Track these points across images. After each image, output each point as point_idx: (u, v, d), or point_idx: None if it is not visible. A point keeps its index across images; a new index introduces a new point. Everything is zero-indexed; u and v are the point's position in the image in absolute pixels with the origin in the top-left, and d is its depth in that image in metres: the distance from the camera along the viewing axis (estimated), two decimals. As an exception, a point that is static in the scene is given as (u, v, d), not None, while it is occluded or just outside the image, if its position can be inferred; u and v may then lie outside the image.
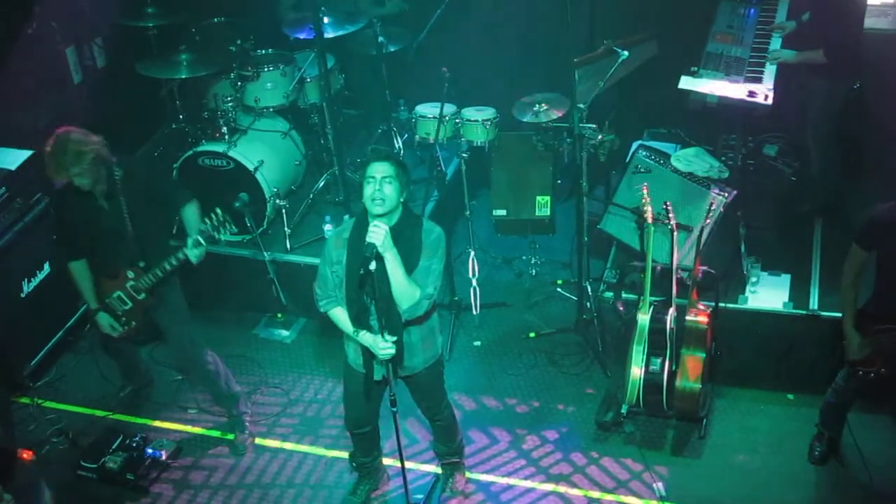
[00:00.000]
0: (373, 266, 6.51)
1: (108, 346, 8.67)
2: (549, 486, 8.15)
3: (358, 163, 7.09)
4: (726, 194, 8.66)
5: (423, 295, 6.79)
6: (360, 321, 6.91)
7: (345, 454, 8.33)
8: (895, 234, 7.03)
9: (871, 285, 7.36)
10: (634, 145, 9.51)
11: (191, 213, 7.98)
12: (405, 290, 6.71)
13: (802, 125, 9.25)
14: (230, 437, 8.71)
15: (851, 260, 7.31)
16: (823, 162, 9.23)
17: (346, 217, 8.64)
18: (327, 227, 9.51)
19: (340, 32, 9.92)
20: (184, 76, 9.72)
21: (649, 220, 8.24)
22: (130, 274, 7.95)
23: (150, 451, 8.43)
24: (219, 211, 7.63)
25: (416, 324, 6.99)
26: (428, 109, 9.30)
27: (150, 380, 9.20)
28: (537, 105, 9.11)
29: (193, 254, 7.76)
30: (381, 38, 9.70)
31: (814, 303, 8.52)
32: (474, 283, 9.52)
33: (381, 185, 6.60)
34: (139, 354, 9.06)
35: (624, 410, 8.46)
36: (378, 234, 6.52)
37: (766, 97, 8.55)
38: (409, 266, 6.72)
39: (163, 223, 8.29)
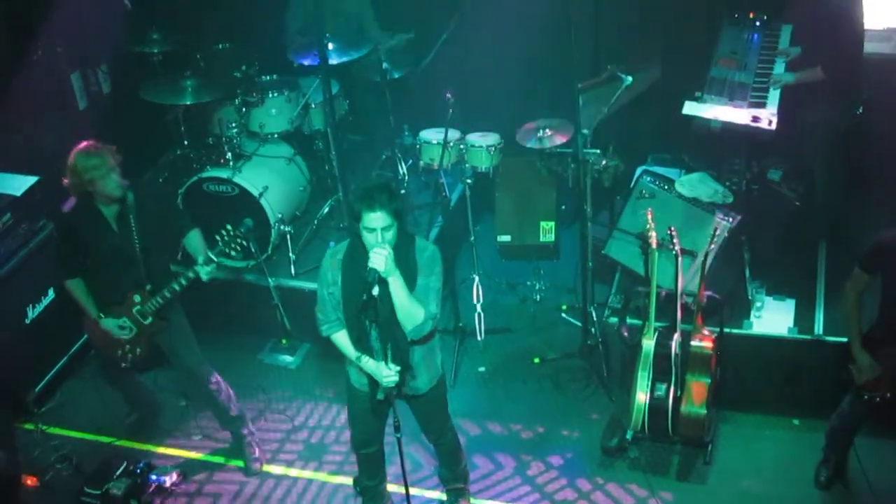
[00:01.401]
0: (376, 291, 6.51)
1: (109, 377, 8.69)
2: (554, 512, 8.14)
3: (353, 191, 7.14)
4: (731, 219, 8.66)
5: (427, 315, 6.77)
6: (361, 343, 6.90)
7: (349, 480, 8.32)
8: (900, 259, 7.05)
9: (874, 310, 7.36)
10: (638, 170, 9.52)
11: (196, 238, 8.03)
12: (409, 312, 6.70)
13: (806, 150, 9.25)
14: (234, 462, 8.70)
15: (854, 284, 7.31)
16: (828, 187, 9.23)
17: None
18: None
19: (345, 58, 9.95)
20: (189, 102, 9.75)
21: (654, 245, 8.23)
22: (137, 298, 7.96)
23: (153, 477, 8.42)
24: (229, 228, 7.63)
25: (419, 343, 6.98)
26: (432, 135, 9.32)
27: (156, 406, 9.19)
28: (541, 130, 9.11)
29: (205, 271, 7.75)
30: (385, 65, 9.72)
31: (819, 327, 8.51)
32: (479, 308, 9.51)
33: (382, 235, 6.55)
34: (141, 382, 9.03)
35: (629, 436, 8.44)
36: (380, 259, 6.50)
37: (770, 122, 8.55)
38: (408, 286, 6.70)
39: (167, 248, 8.30)
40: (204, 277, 7.80)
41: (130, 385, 8.89)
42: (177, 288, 7.90)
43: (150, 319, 8.02)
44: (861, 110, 9.02)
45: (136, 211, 7.83)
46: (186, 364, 8.36)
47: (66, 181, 7.76)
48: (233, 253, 7.76)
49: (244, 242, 7.81)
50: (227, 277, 9.47)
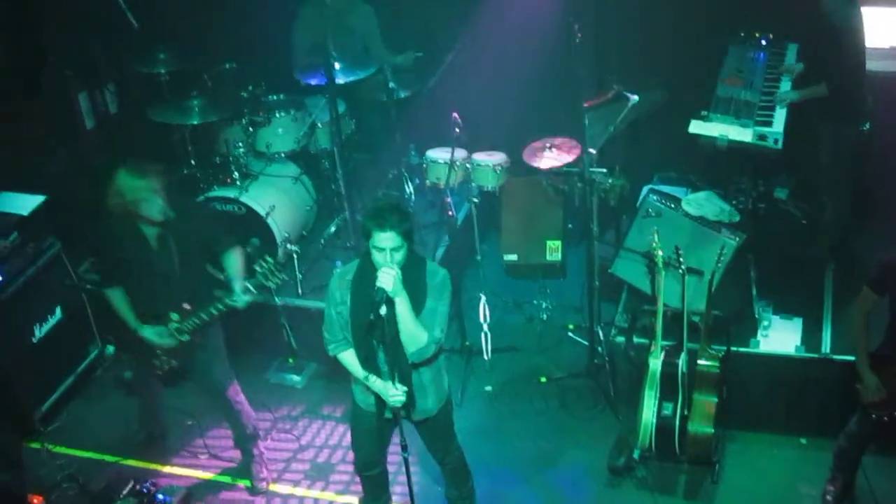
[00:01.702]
0: (383, 311, 6.51)
1: (137, 385, 8.72)
2: (561, 532, 8.13)
3: (364, 210, 7.14)
4: (737, 238, 8.66)
5: (430, 339, 6.76)
6: (369, 363, 6.91)
7: (355, 500, 8.31)
8: (908, 279, 7.04)
9: (882, 328, 7.34)
10: (645, 189, 9.53)
11: (234, 259, 7.99)
12: (413, 334, 6.69)
13: (813, 169, 9.25)
14: (241, 481, 8.69)
15: (862, 304, 7.29)
16: (835, 205, 9.22)
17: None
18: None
19: (351, 78, 9.97)
20: (195, 122, 9.78)
21: (660, 264, 8.24)
22: (175, 316, 7.93)
23: (160, 496, 8.38)
24: (269, 259, 7.55)
25: (427, 364, 6.97)
26: (438, 154, 9.33)
27: (165, 427, 9.19)
28: (547, 149, 9.12)
29: (242, 300, 7.74)
30: (391, 84, 9.74)
31: (826, 346, 8.49)
32: (485, 327, 9.51)
33: (391, 255, 6.55)
34: (164, 399, 9.02)
35: (636, 455, 8.42)
36: (388, 279, 6.50)
37: (777, 141, 8.57)
38: (415, 308, 6.69)
39: (206, 268, 8.29)
40: (241, 307, 7.80)
41: (153, 398, 8.89)
42: (214, 312, 7.87)
43: (186, 337, 8.02)
44: (868, 126, 9.01)
45: (177, 232, 7.78)
46: (217, 379, 8.34)
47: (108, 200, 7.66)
48: (271, 285, 7.64)
49: (283, 276, 7.73)
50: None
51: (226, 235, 8.17)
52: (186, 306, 7.89)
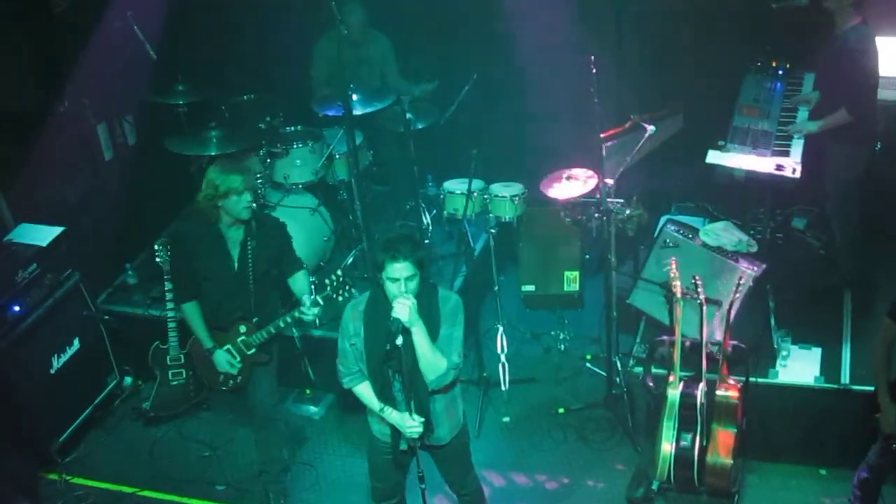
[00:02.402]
0: (399, 341, 6.51)
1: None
2: (580, 564, 8.09)
3: (376, 242, 7.23)
4: (755, 268, 8.64)
5: (449, 365, 6.77)
6: (384, 394, 6.91)
7: (373, 531, 8.29)
8: (928, 309, 7.00)
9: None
10: (662, 220, 9.52)
11: (303, 279, 8.16)
12: (432, 362, 6.69)
13: (827, 193, 9.22)
14: (258, 512, 8.70)
15: (884, 335, 7.25)
16: (844, 232, 9.19)
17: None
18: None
19: (369, 109, 9.98)
20: (213, 153, 9.79)
21: (678, 295, 8.22)
22: (242, 328, 8.04)
23: (177, 527, 8.42)
24: (339, 273, 7.64)
25: (441, 393, 6.97)
26: (456, 185, 9.34)
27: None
28: (565, 180, 9.12)
29: (312, 312, 7.79)
30: (408, 115, 9.77)
31: (845, 376, 8.46)
32: (503, 358, 9.48)
33: (405, 285, 6.57)
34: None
35: (655, 486, 8.39)
36: (403, 309, 6.50)
37: (794, 170, 8.56)
38: (431, 336, 6.69)
39: (276, 283, 8.35)
40: (308, 319, 7.86)
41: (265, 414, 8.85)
42: (282, 325, 8.01)
43: (253, 351, 8.10)
44: (879, 146, 8.98)
45: (257, 240, 7.93)
46: (266, 400, 8.38)
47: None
48: (340, 298, 7.67)
49: (353, 289, 7.76)
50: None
51: (297, 255, 8.32)
52: (255, 320, 8.04)
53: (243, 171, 7.89)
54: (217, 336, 8.14)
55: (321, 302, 7.75)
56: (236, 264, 7.96)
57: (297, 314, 7.88)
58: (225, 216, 7.86)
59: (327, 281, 7.60)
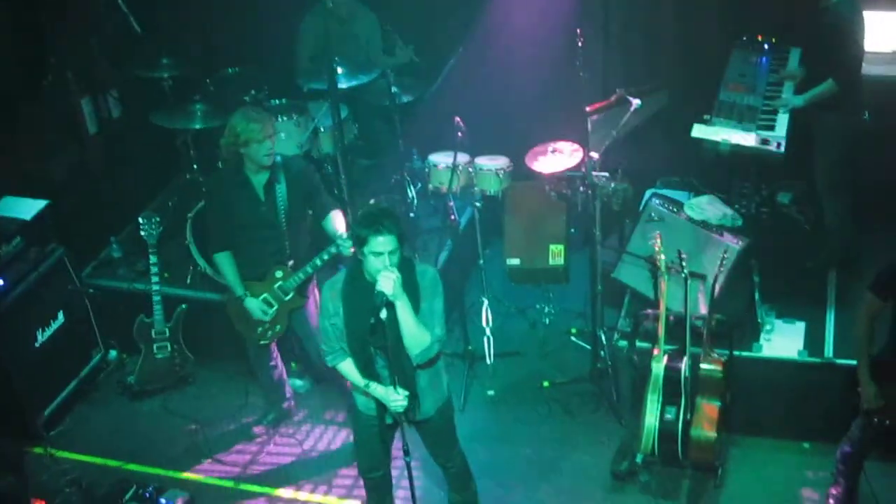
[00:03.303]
0: (384, 314, 6.52)
1: (256, 365, 8.88)
2: (564, 537, 8.12)
3: (356, 217, 7.25)
4: (740, 242, 8.66)
5: (433, 338, 6.79)
6: (368, 370, 6.91)
7: (358, 504, 8.32)
8: (910, 284, 7.03)
9: (885, 333, 7.34)
10: (648, 194, 9.53)
11: (338, 218, 8.24)
12: (417, 336, 6.70)
13: (816, 166, 9.21)
14: (244, 486, 8.70)
15: (866, 309, 7.28)
16: (835, 209, 9.20)
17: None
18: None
19: (354, 83, 9.96)
20: (198, 126, 9.79)
21: (663, 269, 8.24)
22: (279, 273, 8.15)
23: (163, 501, 8.37)
24: (373, 202, 7.62)
25: (425, 367, 6.98)
26: (441, 159, 9.32)
27: (292, 408, 9.30)
28: (550, 154, 9.12)
29: (348, 245, 7.77)
30: (394, 89, 9.74)
31: (829, 351, 8.49)
32: (488, 332, 9.50)
33: (388, 259, 6.57)
34: (280, 371, 9.09)
35: (639, 460, 8.42)
36: (388, 282, 6.50)
37: (779, 145, 8.57)
38: (412, 310, 6.72)
39: (309, 227, 8.45)
40: (346, 252, 7.86)
41: (271, 373, 8.98)
42: (318, 263, 8.10)
43: (290, 295, 8.21)
44: (868, 116, 8.97)
45: (286, 183, 8.04)
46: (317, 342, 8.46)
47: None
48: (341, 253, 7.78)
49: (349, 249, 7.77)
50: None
51: (330, 196, 8.46)
52: (290, 263, 8.13)
53: (264, 119, 7.98)
54: (253, 287, 8.20)
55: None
56: (265, 209, 8.04)
57: (333, 249, 7.97)
58: (249, 163, 7.98)
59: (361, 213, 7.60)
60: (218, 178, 8.29)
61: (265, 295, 8.22)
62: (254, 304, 8.23)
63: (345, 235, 7.89)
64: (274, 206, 8.06)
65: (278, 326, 8.38)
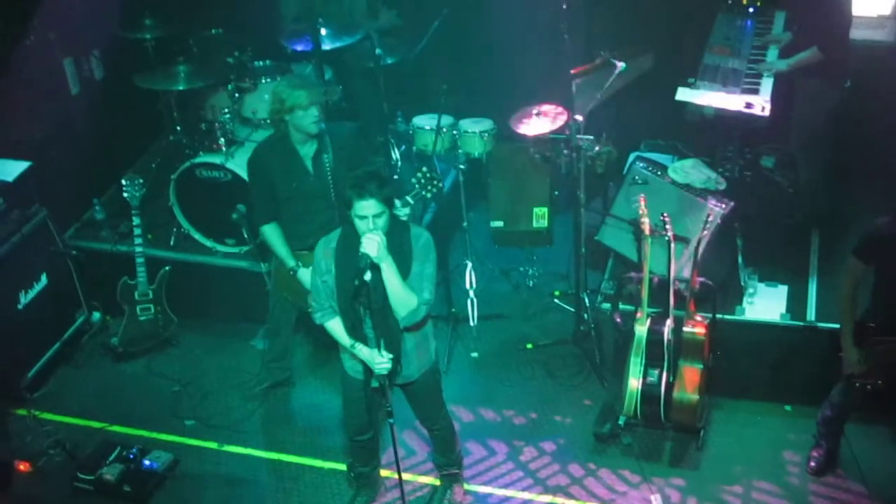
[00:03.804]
0: (368, 276, 6.51)
1: (275, 329, 8.89)
2: (547, 498, 8.15)
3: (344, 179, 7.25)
4: (723, 206, 8.66)
5: (420, 301, 6.79)
6: (355, 331, 6.92)
7: (343, 466, 8.33)
8: (894, 248, 7.04)
9: (868, 297, 7.37)
10: (632, 157, 9.52)
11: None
12: (403, 299, 6.71)
13: (797, 130, 9.22)
14: (228, 447, 8.71)
15: (850, 273, 7.31)
16: (809, 166, 9.22)
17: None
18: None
19: (338, 44, 9.93)
20: (181, 88, 9.74)
21: (647, 232, 8.25)
22: None
23: (147, 462, 8.42)
24: (425, 170, 7.51)
25: (412, 331, 7.00)
26: (425, 121, 9.31)
27: (290, 373, 9.26)
28: (535, 116, 9.11)
29: (404, 213, 7.62)
30: (378, 51, 9.71)
31: (811, 314, 8.53)
32: (472, 294, 9.51)
33: (373, 222, 6.57)
34: (293, 343, 9.11)
35: (622, 422, 8.46)
36: (372, 244, 6.50)
37: (764, 108, 8.56)
38: (402, 273, 6.71)
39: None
40: (402, 219, 7.69)
41: (286, 341, 8.98)
42: None
43: None
44: (849, 84, 8.98)
45: (333, 152, 7.92)
46: None
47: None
48: (427, 194, 7.54)
49: (441, 184, 7.63)
50: (219, 263, 9.54)
51: (373, 155, 8.35)
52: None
53: (310, 86, 7.86)
54: (304, 257, 8.06)
55: (411, 201, 7.61)
56: (313, 179, 7.94)
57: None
58: (294, 132, 7.84)
59: (413, 180, 7.52)
60: (264, 150, 8.10)
61: None
62: (306, 274, 8.01)
63: (398, 203, 7.58)
64: (323, 177, 7.94)
65: None
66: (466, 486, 8.17)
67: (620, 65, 8.70)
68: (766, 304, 8.70)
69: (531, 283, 10.13)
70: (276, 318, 8.83)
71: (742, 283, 8.79)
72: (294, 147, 7.89)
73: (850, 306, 7.34)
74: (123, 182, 9.15)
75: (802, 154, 9.24)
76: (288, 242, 8.10)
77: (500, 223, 9.90)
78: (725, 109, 8.66)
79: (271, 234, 8.10)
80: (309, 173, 7.93)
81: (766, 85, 8.82)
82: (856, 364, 7.32)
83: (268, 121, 9.94)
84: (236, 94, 9.88)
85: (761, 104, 8.58)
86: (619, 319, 8.74)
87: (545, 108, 9.15)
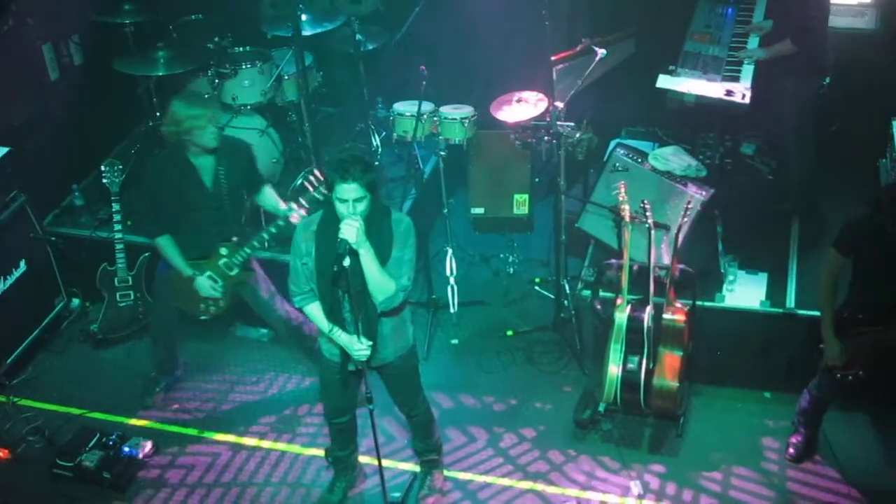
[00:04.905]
0: (347, 262, 6.50)
1: (161, 331, 8.85)
2: (527, 484, 8.15)
3: (327, 160, 7.17)
4: (703, 193, 8.68)
5: (398, 287, 6.80)
6: (334, 315, 6.92)
7: (322, 452, 8.32)
8: (873, 240, 7.05)
9: (847, 287, 7.39)
10: (612, 144, 9.53)
11: (271, 192, 8.33)
12: (381, 284, 6.71)
13: (779, 124, 9.26)
14: (208, 434, 8.70)
15: (829, 266, 7.32)
16: (801, 161, 9.24)
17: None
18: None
19: (318, 30, 9.90)
20: (161, 73, 9.71)
21: (627, 219, 8.27)
22: (223, 251, 8.15)
23: (126, 449, 8.40)
24: (316, 172, 7.67)
25: (389, 315, 7.00)
26: (406, 107, 9.29)
27: (182, 375, 9.24)
28: (515, 103, 9.10)
29: (299, 214, 7.82)
30: (358, 36, 9.69)
31: (791, 301, 8.55)
32: (452, 281, 9.50)
33: (354, 206, 6.56)
34: (180, 344, 9.10)
35: (601, 409, 8.47)
36: (351, 230, 6.49)
37: (744, 96, 8.58)
38: (382, 258, 6.71)
39: (243, 202, 8.48)
40: (294, 223, 7.82)
41: (175, 344, 9.00)
42: (266, 237, 8.11)
43: (236, 271, 8.22)
44: (829, 80, 9.01)
45: (226, 163, 8.04)
46: (274, 309, 8.61)
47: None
48: (318, 196, 7.73)
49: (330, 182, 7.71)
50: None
51: (261, 174, 8.48)
52: (234, 239, 8.15)
53: (204, 104, 7.98)
54: (199, 266, 8.21)
55: (305, 204, 7.80)
56: (208, 191, 8.04)
57: (280, 222, 7.99)
58: (192, 147, 7.94)
59: (300, 178, 7.59)
60: (159, 165, 8.19)
61: (209, 272, 8.19)
62: (204, 283, 8.21)
63: (285, 208, 7.93)
64: (219, 188, 8.06)
65: (221, 302, 8.36)
66: (446, 473, 8.17)
67: (602, 52, 8.70)
68: (745, 291, 8.71)
69: (511, 269, 10.13)
70: (159, 327, 8.90)
71: (722, 270, 8.81)
72: (190, 161, 8.01)
73: (830, 298, 7.36)
74: (103, 168, 9.11)
75: (792, 147, 9.24)
76: (184, 252, 8.20)
77: (480, 210, 9.91)
78: (706, 97, 8.68)
79: (166, 245, 8.20)
80: (206, 186, 8.04)
81: (747, 72, 8.84)
82: (837, 357, 7.35)
83: (249, 106, 9.96)
84: (216, 80, 9.85)
85: (742, 91, 8.61)
86: (599, 306, 8.75)
87: (526, 94, 9.15)
